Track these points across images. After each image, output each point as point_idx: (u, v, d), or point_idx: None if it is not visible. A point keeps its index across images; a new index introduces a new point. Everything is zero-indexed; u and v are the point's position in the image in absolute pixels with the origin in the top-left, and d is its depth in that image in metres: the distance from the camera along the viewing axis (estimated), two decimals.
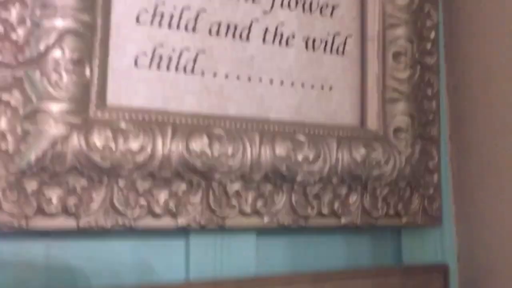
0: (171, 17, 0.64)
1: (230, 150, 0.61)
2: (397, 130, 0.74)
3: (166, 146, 0.57)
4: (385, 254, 0.78)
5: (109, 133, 0.55)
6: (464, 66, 0.85)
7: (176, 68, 0.64)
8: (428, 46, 0.80)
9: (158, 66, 0.63)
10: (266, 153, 0.63)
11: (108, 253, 0.60)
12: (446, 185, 0.83)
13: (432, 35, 0.81)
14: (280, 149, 0.64)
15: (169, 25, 0.64)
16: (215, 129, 0.62)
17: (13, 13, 0.53)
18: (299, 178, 0.65)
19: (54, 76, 0.53)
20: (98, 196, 0.55)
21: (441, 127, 0.81)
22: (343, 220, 0.70)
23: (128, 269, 0.60)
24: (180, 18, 0.65)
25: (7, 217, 0.50)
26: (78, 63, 0.54)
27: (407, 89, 0.76)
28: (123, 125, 0.56)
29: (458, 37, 0.87)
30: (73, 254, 0.58)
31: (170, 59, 0.64)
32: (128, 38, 0.61)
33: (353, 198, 0.70)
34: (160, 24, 0.63)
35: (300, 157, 0.65)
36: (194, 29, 0.65)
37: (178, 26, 0.65)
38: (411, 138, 0.74)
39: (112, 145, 0.54)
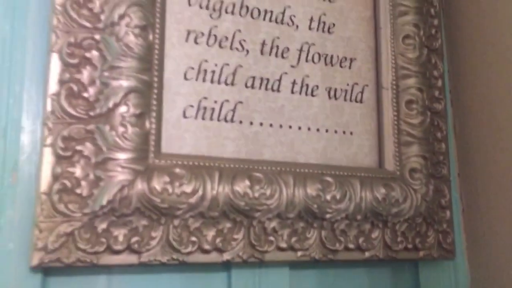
0: (213, 73, 0.73)
1: (268, 192, 0.68)
2: (412, 171, 0.82)
3: (214, 189, 0.65)
4: (404, 285, 0.85)
5: (167, 178, 0.62)
6: (468, 109, 0.94)
7: (218, 118, 0.72)
8: (436, 93, 0.89)
9: (203, 117, 0.71)
10: (299, 194, 0.71)
11: (160, 285, 0.66)
12: (457, 220, 0.90)
13: (439, 83, 0.90)
14: (311, 190, 0.72)
15: (212, 80, 0.73)
16: (255, 173, 0.69)
17: (85, 74, 0.61)
18: (328, 215, 0.73)
19: (120, 129, 0.61)
20: (157, 234, 0.62)
21: (450, 167, 0.88)
22: (367, 254, 0.76)
23: None
24: (221, 74, 0.73)
25: (82, 254, 0.57)
26: (140, 116, 0.62)
27: (420, 133, 0.84)
28: (177, 170, 0.63)
29: (462, 84, 0.96)
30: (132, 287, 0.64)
31: (213, 110, 0.72)
32: (177, 93, 0.69)
33: (375, 233, 0.77)
34: (204, 79, 0.72)
35: (329, 197, 0.73)
36: (232, 83, 0.74)
37: (219, 81, 0.73)
38: (425, 178, 0.82)
39: (169, 188, 0.62)
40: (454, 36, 0.98)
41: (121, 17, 0.64)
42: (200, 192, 0.63)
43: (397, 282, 0.84)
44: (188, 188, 0.63)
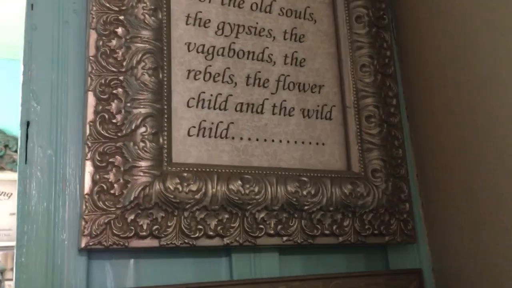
0: (209, 101, 0.94)
1: (256, 189, 0.88)
2: (374, 171, 1.01)
3: (214, 188, 0.84)
4: (376, 266, 1.02)
5: (177, 180, 0.82)
6: (422, 123, 1.14)
7: (215, 135, 0.92)
8: (392, 110, 1.09)
9: (203, 135, 0.91)
10: (281, 191, 0.90)
11: (176, 268, 0.85)
12: (418, 212, 1.09)
13: (394, 102, 1.10)
14: (291, 187, 0.91)
15: (208, 107, 0.93)
16: (245, 175, 0.89)
17: (113, 106, 0.82)
18: (306, 207, 0.92)
19: (141, 144, 0.81)
20: (172, 223, 0.81)
21: (409, 169, 1.08)
22: (341, 239, 0.95)
23: (191, 276, 0.85)
24: (215, 101, 0.94)
25: (116, 239, 0.76)
26: (155, 135, 0.83)
27: (378, 141, 1.04)
28: (185, 174, 0.83)
29: (415, 102, 1.16)
30: (154, 270, 0.82)
31: (210, 130, 0.92)
32: (182, 117, 0.90)
33: (346, 221, 0.96)
34: (202, 106, 0.93)
35: (305, 192, 0.92)
36: (225, 108, 0.95)
37: (214, 107, 0.94)
38: (384, 176, 1.01)
39: (180, 187, 0.81)
40: (407, 64, 1.19)
41: (138, 62, 0.85)
42: (203, 190, 0.83)
43: (370, 264, 1.02)
44: (193, 187, 0.82)
